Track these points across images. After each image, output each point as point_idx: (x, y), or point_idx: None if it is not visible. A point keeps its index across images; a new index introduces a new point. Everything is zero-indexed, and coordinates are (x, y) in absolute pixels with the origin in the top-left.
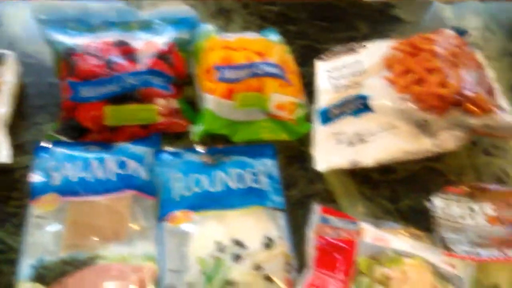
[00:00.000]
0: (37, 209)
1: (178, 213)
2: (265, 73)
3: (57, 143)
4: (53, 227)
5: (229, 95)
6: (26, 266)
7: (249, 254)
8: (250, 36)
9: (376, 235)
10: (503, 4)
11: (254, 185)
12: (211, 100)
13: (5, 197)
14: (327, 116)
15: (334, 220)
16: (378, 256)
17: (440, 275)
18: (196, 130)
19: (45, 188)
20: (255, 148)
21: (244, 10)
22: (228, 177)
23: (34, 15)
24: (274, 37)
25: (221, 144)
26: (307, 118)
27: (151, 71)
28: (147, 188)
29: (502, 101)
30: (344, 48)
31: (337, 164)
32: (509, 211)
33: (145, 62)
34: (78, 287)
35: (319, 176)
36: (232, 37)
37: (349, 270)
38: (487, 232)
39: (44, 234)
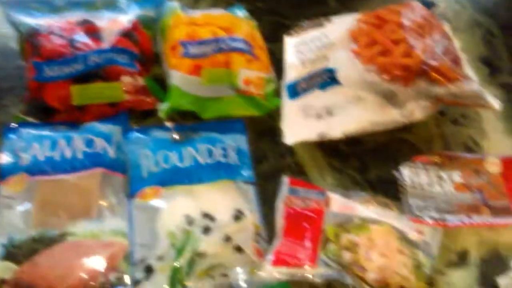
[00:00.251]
0: (6, 189)
1: (147, 189)
2: (231, 48)
3: (25, 124)
4: (23, 207)
5: (195, 71)
6: None
7: (218, 226)
8: (216, 12)
9: (343, 204)
10: None
11: (223, 160)
12: (177, 76)
13: None
14: (294, 90)
15: (302, 191)
16: (345, 224)
17: (407, 240)
18: (163, 107)
19: (13, 169)
20: (224, 124)
21: None
22: (197, 152)
23: None
24: (240, 13)
25: (190, 121)
26: (277, 93)
27: (115, 49)
28: (116, 165)
29: (469, 70)
30: (313, 23)
31: (305, 137)
32: (476, 178)
33: (109, 40)
34: (49, 264)
35: (289, 150)
36: (198, 14)
37: (317, 238)
38: (455, 199)
39: (14, 214)
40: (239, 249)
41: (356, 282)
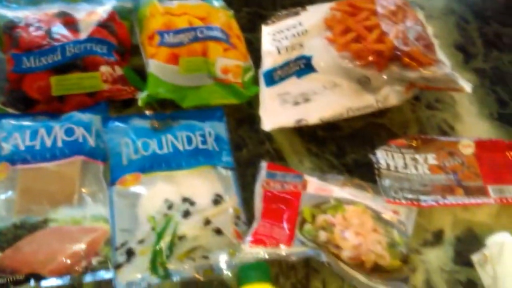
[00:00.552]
0: None
1: (127, 176)
2: (208, 37)
3: (5, 115)
4: (5, 195)
5: (173, 60)
6: None
7: (198, 210)
8: (192, 2)
9: (319, 186)
10: None
11: (203, 147)
12: (154, 65)
13: None
14: (271, 78)
15: (279, 174)
16: (321, 205)
17: (382, 220)
18: (142, 95)
19: None
20: (203, 112)
21: None
22: (176, 140)
23: None
24: (217, 3)
25: (170, 110)
26: (255, 81)
27: (92, 39)
28: (96, 153)
29: (441, 56)
30: (289, 11)
31: (283, 123)
32: (451, 160)
33: (87, 31)
34: (32, 249)
35: (267, 136)
36: (174, 3)
37: (294, 219)
38: (429, 180)
39: None
40: (218, 231)
41: (332, 260)
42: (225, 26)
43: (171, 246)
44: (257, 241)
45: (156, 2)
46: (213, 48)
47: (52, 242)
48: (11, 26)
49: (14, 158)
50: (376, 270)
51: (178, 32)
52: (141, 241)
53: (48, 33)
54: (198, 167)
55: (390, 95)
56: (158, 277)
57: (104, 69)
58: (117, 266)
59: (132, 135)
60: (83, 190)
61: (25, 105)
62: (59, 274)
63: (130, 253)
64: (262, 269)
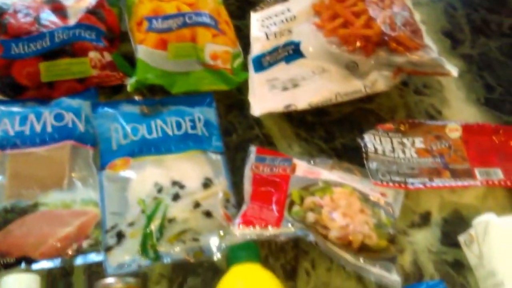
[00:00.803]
0: None
1: (117, 161)
2: (196, 22)
3: None
4: None
5: (161, 45)
6: None
7: (188, 193)
8: None
9: (308, 169)
10: None
11: (192, 131)
12: (143, 51)
13: None
14: (260, 64)
15: (268, 158)
16: (310, 187)
17: (369, 201)
18: (131, 81)
19: None
20: (193, 98)
21: None
22: (166, 124)
23: None
24: None
25: (160, 96)
26: (244, 68)
27: (80, 25)
28: (85, 138)
29: (428, 41)
30: None
31: (272, 109)
32: (438, 144)
33: (75, 17)
34: (22, 232)
35: (257, 122)
36: None
37: (282, 201)
38: (416, 163)
39: None
40: (208, 214)
41: (320, 240)
42: (213, 12)
43: (161, 229)
44: (246, 222)
45: None
46: (202, 34)
47: (42, 226)
48: (0, 13)
49: (3, 144)
50: (364, 250)
51: (166, 17)
52: (131, 224)
53: (37, 19)
54: (188, 151)
55: (378, 80)
56: (149, 259)
57: (92, 55)
58: (108, 249)
59: (122, 120)
60: (73, 174)
61: (14, 91)
62: (50, 256)
63: (120, 236)
64: (251, 249)
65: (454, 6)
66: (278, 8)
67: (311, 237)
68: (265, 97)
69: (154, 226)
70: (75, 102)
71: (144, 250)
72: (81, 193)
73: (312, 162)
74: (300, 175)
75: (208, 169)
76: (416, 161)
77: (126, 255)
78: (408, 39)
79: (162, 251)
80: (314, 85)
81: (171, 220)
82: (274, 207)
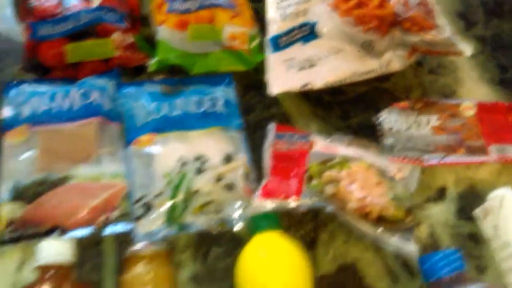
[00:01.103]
0: (9, 140)
1: (142, 137)
2: (215, 4)
3: (23, 81)
4: (26, 154)
5: (181, 26)
6: (5, 190)
7: (210, 167)
8: None
9: (325, 145)
10: None
11: (213, 110)
12: (164, 31)
13: None
14: (277, 44)
15: (288, 135)
16: (328, 162)
17: (386, 176)
18: (152, 61)
19: (15, 121)
20: (212, 78)
21: None
22: (188, 103)
23: None
24: None
25: (179, 77)
26: (261, 48)
27: (103, 7)
28: (111, 115)
29: (442, 21)
30: None
31: (289, 88)
32: (453, 121)
33: (98, 0)
34: (54, 203)
35: (275, 101)
36: None
37: (301, 176)
38: (432, 140)
39: (19, 162)
40: (230, 187)
41: (338, 211)
42: None
43: (186, 201)
44: (267, 194)
45: None
46: (220, 15)
47: (73, 197)
48: None
49: (33, 121)
50: (381, 221)
51: None
52: (157, 196)
53: (61, 2)
54: (209, 128)
55: (393, 60)
56: (174, 229)
57: (115, 36)
58: (136, 219)
59: (145, 99)
60: (101, 149)
61: (41, 72)
62: (80, 226)
63: (147, 207)
64: (272, 218)
65: None
66: None
67: (330, 208)
68: (282, 77)
69: (179, 198)
70: (100, 81)
71: (170, 220)
72: (108, 167)
73: (329, 139)
74: (318, 151)
75: (228, 145)
76: (431, 138)
77: (153, 225)
78: (422, 19)
79: (187, 221)
80: (330, 64)
81: (195, 193)
82: (293, 180)
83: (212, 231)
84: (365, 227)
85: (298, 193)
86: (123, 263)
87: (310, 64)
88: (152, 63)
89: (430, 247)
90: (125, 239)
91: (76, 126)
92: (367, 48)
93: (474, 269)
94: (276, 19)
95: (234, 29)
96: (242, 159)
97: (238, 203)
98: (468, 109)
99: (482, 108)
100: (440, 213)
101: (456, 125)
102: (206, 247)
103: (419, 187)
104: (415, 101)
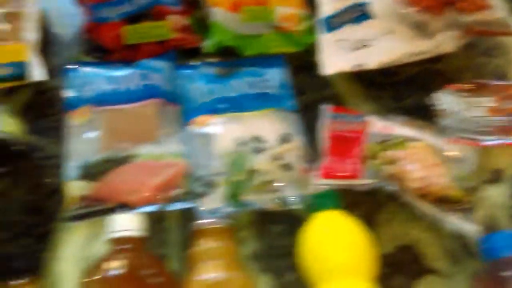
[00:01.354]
0: (73, 120)
1: (199, 118)
2: None
3: (83, 63)
4: (91, 134)
5: (235, 8)
6: (72, 168)
7: (267, 147)
8: None
9: (382, 125)
10: None
11: (267, 91)
12: (218, 13)
13: (43, 114)
14: (329, 25)
15: (343, 115)
16: (385, 142)
17: (443, 156)
18: (211, 43)
19: (77, 102)
20: (265, 59)
21: None
22: (242, 85)
23: None
24: None
25: (228, 58)
26: (313, 30)
27: None
28: (170, 97)
29: (495, 0)
30: None
31: (341, 68)
32: (508, 103)
33: None
34: (120, 180)
35: (326, 83)
36: None
37: (359, 156)
38: (489, 122)
39: (84, 141)
40: (287, 167)
41: (398, 191)
42: None
43: (245, 180)
44: (327, 174)
45: None
46: None
47: (137, 175)
48: None
49: (95, 101)
50: (441, 201)
51: None
52: (217, 175)
53: None
54: (264, 109)
55: (446, 41)
56: (234, 207)
57: (171, 18)
58: (198, 196)
59: (200, 81)
60: (161, 130)
61: (101, 54)
62: (145, 203)
63: (208, 185)
64: (334, 197)
65: None
66: None
67: (391, 187)
68: (334, 58)
69: (238, 177)
70: (157, 64)
71: (230, 198)
72: (169, 146)
73: (385, 120)
74: (375, 131)
75: (283, 126)
76: (488, 119)
77: (215, 202)
78: None
79: (246, 200)
80: (382, 45)
81: (253, 172)
82: (352, 160)
83: (270, 209)
84: (425, 207)
85: (358, 173)
86: (189, 238)
87: (362, 44)
88: (206, 45)
89: (489, 228)
90: (188, 216)
91: (138, 106)
92: (420, 29)
93: None
94: (328, 0)
95: (285, 10)
96: (298, 140)
97: (296, 183)
98: None
99: None
100: (495, 195)
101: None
102: (265, 225)
103: (475, 168)
104: (469, 82)
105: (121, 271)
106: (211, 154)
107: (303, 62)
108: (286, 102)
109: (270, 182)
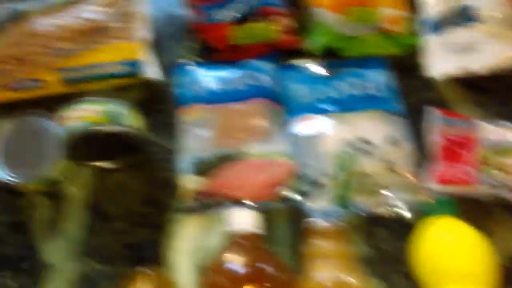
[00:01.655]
0: (186, 117)
1: (304, 118)
2: None
3: (193, 62)
4: (202, 131)
5: (339, 9)
6: (185, 163)
7: (375, 149)
8: None
9: (494, 131)
10: None
11: (373, 92)
12: (323, 14)
13: (155, 110)
14: (435, 27)
15: (453, 119)
16: (499, 148)
17: None
18: (314, 44)
19: (189, 100)
20: (369, 60)
21: None
22: (347, 85)
23: None
24: None
25: (330, 59)
26: (415, 31)
27: None
28: (274, 97)
29: None
30: None
31: (448, 71)
32: None
33: None
34: (232, 177)
35: (430, 86)
36: None
37: (474, 162)
38: None
39: (197, 138)
40: (395, 171)
41: None
42: None
43: (353, 182)
44: (441, 179)
45: None
46: None
47: (249, 172)
48: None
49: (206, 100)
50: None
51: None
52: (325, 175)
53: None
54: (371, 110)
55: None
56: (342, 208)
57: (278, 19)
58: (306, 196)
59: (304, 81)
60: (268, 129)
61: (209, 54)
62: (255, 200)
63: (316, 185)
64: (450, 203)
65: None
66: None
67: (505, 195)
68: (440, 60)
69: (346, 178)
70: (263, 64)
71: (338, 200)
72: (276, 146)
73: (497, 125)
74: (488, 137)
75: (391, 128)
76: None
77: (323, 202)
78: None
79: (354, 202)
80: (490, 49)
81: (361, 174)
82: (465, 167)
83: (379, 213)
84: None
85: (473, 179)
86: (298, 237)
87: (469, 48)
88: (310, 46)
89: None
90: (296, 215)
91: (246, 106)
92: None
93: None
94: (433, 2)
95: (389, 12)
96: (406, 143)
97: (405, 187)
98: None
99: None
100: None
101: None
102: (373, 229)
103: None
104: None
105: (243, 265)
106: (317, 154)
107: (406, 64)
108: (392, 104)
109: (379, 185)
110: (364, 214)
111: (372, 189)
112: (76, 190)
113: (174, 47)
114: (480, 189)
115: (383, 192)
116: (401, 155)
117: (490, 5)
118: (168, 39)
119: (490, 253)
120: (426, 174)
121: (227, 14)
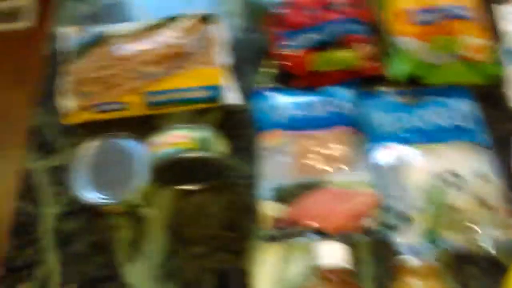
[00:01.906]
0: (266, 142)
1: (388, 147)
2: (455, 15)
3: (271, 88)
4: (283, 157)
5: (422, 37)
6: (265, 189)
7: (465, 183)
8: None
9: None
10: None
11: (458, 123)
12: (406, 41)
13: (234, 134)
14: None
15: None
16: None
17: None
18: (398, 71)
19: (268, 125)
20: (451, 90)
21: None
22: (431, 115)
23: None
24: None
25: (412, 86)
26: (498, 61)
27: (349, 19)
28: (355, 124)
29: None
30: None
31: None
32: None
33: (341, 10)
34: (313, 205)
35: None
36: None
37: None
38: None
39: (276, 164)
40: (487, 206)
41: None
42: (470, 4)
43: (442, 216)
44: None
45: None
46: (461, 27)
47: (330, 201)
48: (277, 6)
49: (285, 126)
50: None
51: (427, 11)
52: (413, 208)
53: (312, 13)
54: (458, 142)
55: None
56: (431, 244)
57: (359, 46)
58: (392, 229)
59: (386, 109)
60: (351, 157)
61: (288, 80)
62: (337, 231)
63: (403, 218)
64: None
65: None
66: None
67: None
68: None
69: (436, 212)
70: (343, 91)
71: (427, 235)
72: (359, 175)
73: None
74: None
75: (479, 161)
76: None
77: (412, 237)
78: None
79: (443, 238)
80: None
81: (450, 208)
82: None
83: (468, 250)
84: None
85: None
86: (391, 273)
87: None
88: (394, 73)
89: None
90: (382, 248)
91: (328, 133)
92: None
93: None
94: None
95: (473, 41)
96: (496, 177)
97: (497, 224)
98: None
99: None
100: None
101: None
102: (460, 266)
103: None
104: None
105: None
106: (403, 186)
107: (489, 94)
108: (479, 136)
109: (469, 221)
110: (453, 251)
111: (462, 225)
112: (157, 212)
113: (253, 72)
114: None
115: (474, 228)
116: (491, 189)
117: None
118: (247, 64)
119: None
120: None
121: (306, 40)
